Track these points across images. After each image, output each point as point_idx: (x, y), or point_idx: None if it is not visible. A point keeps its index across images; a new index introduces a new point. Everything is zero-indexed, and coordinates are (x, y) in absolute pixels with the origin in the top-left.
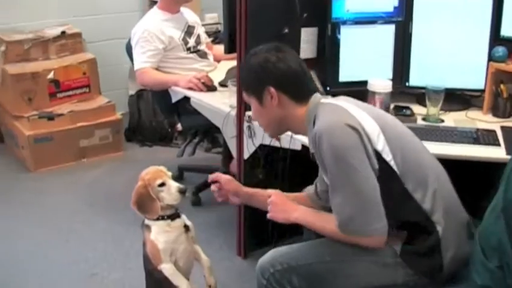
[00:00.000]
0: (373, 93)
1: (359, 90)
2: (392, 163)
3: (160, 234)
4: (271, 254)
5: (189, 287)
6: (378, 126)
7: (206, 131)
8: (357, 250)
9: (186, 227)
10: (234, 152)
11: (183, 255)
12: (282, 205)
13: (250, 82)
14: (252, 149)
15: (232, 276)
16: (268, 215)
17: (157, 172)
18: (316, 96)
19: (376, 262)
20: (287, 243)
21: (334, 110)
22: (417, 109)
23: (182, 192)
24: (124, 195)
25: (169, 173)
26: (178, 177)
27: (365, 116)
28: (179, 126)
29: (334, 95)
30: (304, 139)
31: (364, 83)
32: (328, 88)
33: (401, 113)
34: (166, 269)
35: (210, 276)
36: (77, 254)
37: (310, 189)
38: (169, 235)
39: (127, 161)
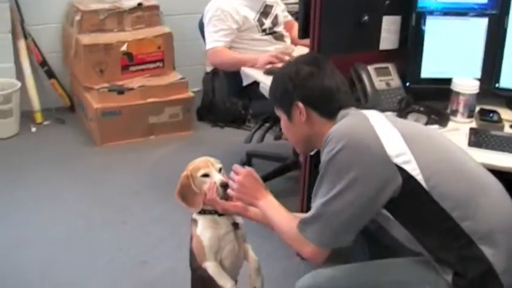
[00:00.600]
0: (457, 93)
1: (441, 89)
2: (419, 178)
3: (206, 230)
4: (311, 277)
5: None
6: (403, 139)
7: (277, 118)
8: (411, 278)
9: (235, 225)
10: None
11: (229, 255)
12: (252, 189)
13: (278, 94)
14: None
15: (289, 278)
16: (233, 194)
17: (203, 162)
18: (347, 109)
19: None
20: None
21: (353, 117)
22: (506, 114)
23: (223, 186)
24: None
25: (219, 165)
26: (246, 164)
27: (387, 127)
28: None
29: (414, 92)
30: None
31: (448, 81)
32: (407, 84)
33: (487, 117)
34: (210, 267)
35: (257, 278)
36: (131, 238)
37: None
38: (215, 232)
39: (196, 141)
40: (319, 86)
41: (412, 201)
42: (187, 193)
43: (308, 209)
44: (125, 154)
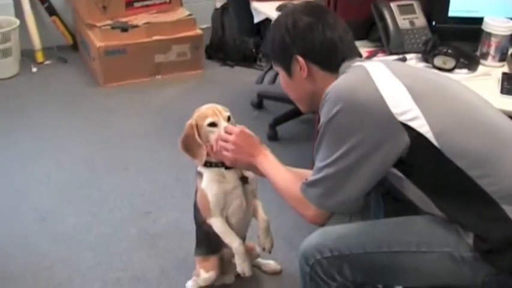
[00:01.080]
0: (489, 34)
1: (471, 29)
2: (429, 135)
3: (212, 184)
4: (319, 236)
5: (242, 247)
6: (409, 93)
7: None
8: (430, 239)
9: (244, 179)
10: None
11: (237, 212)
12: (247, 146)
13: (276, 48)
14: None
15: (301, 231)
16: (228, 154)
17: (211, 110)
18: (351, 60)
19: (451, 256)
20: None
21: (352, 72)
22: None
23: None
24: None
25: (227, 113)
26: (257, 105)
27: (391, 81)
28: None
29: (440, 32)
30: None
31: (479, 20)
32: (434, 23)
33: None
34: (216, 224)
35: (266, 239)
36: (134, 186)
37: None
38: (222, 186)
39: (205, 81)
40: (319, 38)
41: (424, 160)
42: (191, 144)
43: None
44: (130, 95)
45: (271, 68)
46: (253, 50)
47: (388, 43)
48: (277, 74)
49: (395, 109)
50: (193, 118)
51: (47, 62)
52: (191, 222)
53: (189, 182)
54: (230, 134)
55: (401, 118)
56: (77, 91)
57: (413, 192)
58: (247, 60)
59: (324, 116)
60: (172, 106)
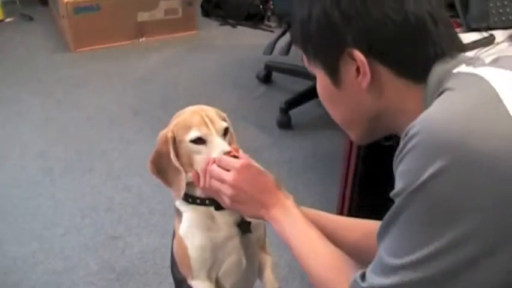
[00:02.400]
0: None
1: None
2: None
3: (195, 231)
4: None
5: None
6: None
7: None
8: None
9: (244, 225)
10: None
11: (232, 273)
12: (257, 192)
13: (312, 33)
14: None
15: None
16: (225, 200)
17: (197, 116)
18: (450, 60)
19: None
20: None
21: (464, 87)
22: None
23: None
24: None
25: (223, 124)
26: (264, 79)
27: None
28: None
29: None
30: None
31: None
32: None
33: None
34: None
35: None
36: (99, 196)
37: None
38: (210, 235)
39: (199, 45)
40: (395, 17)
41: None
42: (165, 166)
43: (350, 201)
44: (105, 63)
45: (283, 34)
46: (260, 6)
47: (466, 13)
48: (291, 44)
49: None
50: (169, 127)
51: (7, 20)
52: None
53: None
54: (227, 168)
55: None
56: (40, 59)
57: None
58: (253, 18)
59: (406, 176)
60: (158, 78)
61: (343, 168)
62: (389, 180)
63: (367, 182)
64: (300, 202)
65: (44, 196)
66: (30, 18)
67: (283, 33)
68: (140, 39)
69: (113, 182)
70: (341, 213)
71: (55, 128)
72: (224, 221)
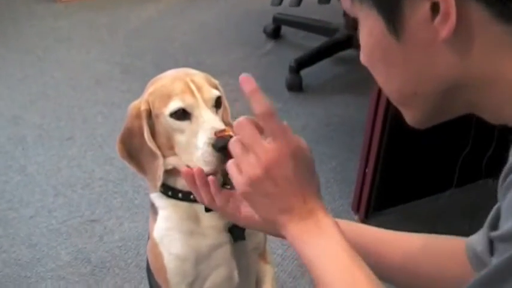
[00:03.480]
0: None
1: None
2: None
3: (174, 234)
4: None
5: None
6: None
7: None
8: None
9: (236, 232)
10: None
11: (222, 286)
12: (281, 185)
13: None
14: None
15: None
16: (238, 180)
17: (179, 81)
18: None
19: None
20: None
21: None
22: None
23: (223, 148)
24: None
25: (214, 92)
26: (272, 34)
27: None
28: None
29: None
30: None
31: None
32: None
33: None
34: None
35: None
36: (77, 170)
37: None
38: (193, 241)
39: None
40: None
41: None
42: (138, 149)
43: (372, 182)
44: (93, 15)
45: None
46: None
47: None
48: None
49: None
50: (143, 97)
51: None
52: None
53: None
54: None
55: None
56: (20, 9)
57: None
58: None
59: None
60: (152, 31)
61: (364, 140)
62: (421, 158)
63: (394, 158)
64: None
65: (14, 169)
66: None
67: None
68: None
69: (93, 152)
70: (360, 196)
71: (32, 89)
72: (211, 225)
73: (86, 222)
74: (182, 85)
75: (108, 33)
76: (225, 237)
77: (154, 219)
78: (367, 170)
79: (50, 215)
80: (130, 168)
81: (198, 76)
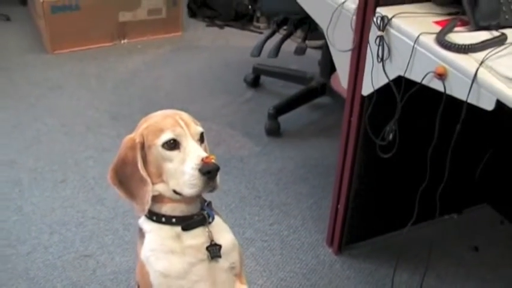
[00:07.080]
0: None
1: None
2: None
3: (158, 255)
4: None
5: None
6: None
7: (300, 21)
8: None
9: (214, 249)
10: (343, 76)
11: None
12: None
13: None
14: (381, 81)
15: (315, 277)
16: None
17: (169, 118)
18: None
19: None
20: None
21: None
22: None
23: (208, 172)
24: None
25: (198, 128)
26: (252, 83)
27: None
28: None
29: None
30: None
31: None
32: None
33: None
34: None
35: None
36: (71, 209)
37: None
38: (175, 260)
39: (185, 47)
40: None
41: None
42: (130, 176)
43: (343, 218)
44: (83, 66)
45: (272, 34)
46: (249, 6)
47: (474, 10)
48: (281, 44)
49: None
50: (138, 131)
51: None
52: None
53: None
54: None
55: None
56: (14, 59)
57: None
58: (242, 19)
59: None
60: (139, 81)
61: (336, 180)
62: (387, 194)
63: (363, 197)
64: (289, 217)
65: (11, 209)
66: (8, 18)
67: (272, 34)
68: (122, 41)
69: (85, 194)
70: (333, 230)
71: (26, 135)
72: (191, 244)
73: (80, 257)
74: (172, 121)
75: (97, 82)
76: (203, 254)
77: (142, 242)
78: (339, 206)
79: (46, 251)
80: (119, 194)
81: (185, 115)
